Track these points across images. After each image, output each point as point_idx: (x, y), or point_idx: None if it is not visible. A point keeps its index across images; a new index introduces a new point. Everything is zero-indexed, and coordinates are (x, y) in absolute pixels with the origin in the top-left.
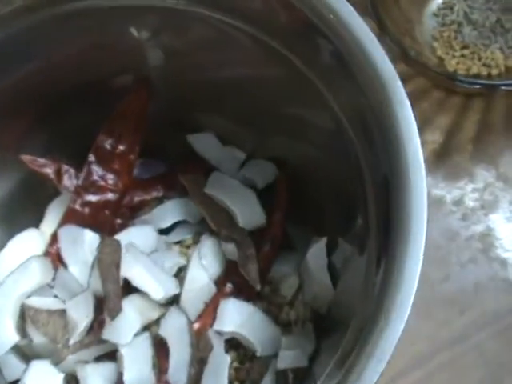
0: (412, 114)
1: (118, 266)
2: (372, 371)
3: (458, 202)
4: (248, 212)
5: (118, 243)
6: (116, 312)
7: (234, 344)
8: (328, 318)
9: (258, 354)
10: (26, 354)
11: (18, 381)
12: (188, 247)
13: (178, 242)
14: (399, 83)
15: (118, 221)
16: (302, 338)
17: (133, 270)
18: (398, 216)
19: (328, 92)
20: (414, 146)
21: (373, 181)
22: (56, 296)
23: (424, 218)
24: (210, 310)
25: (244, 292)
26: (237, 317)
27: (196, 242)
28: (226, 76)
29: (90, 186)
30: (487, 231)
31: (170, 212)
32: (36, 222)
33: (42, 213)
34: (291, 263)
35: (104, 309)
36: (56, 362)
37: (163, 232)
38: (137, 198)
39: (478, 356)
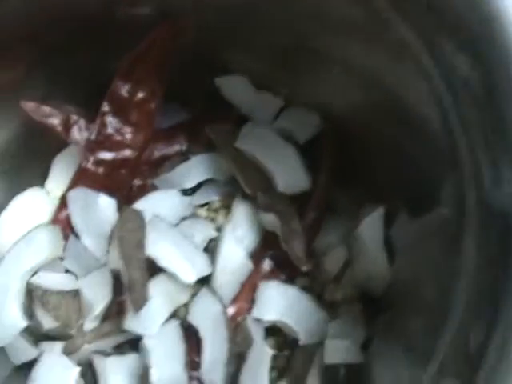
0: None
1: (142, 246)
2: None
3: None
4: (288, 173)
5: (141, 217)
6: (142, 303)
7: (272, 329)
8: (382, 299)
9: (300, 343)
10: (34, 333)
11: (25, 364)
12: (216, 211)
13: (203, 205)
14: None
15: (137, 181)
16: (351, 322)
17: (159, 248)
18: None
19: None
20: None
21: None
22: (67, 270)
23: None
24: (247, 292)
25: (285, 268)
26: (280, 303)
27: (225, 205)
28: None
29: (104, 141)
30: None
31: (194, 169)
32: (40, 179)
33: (46, 167)
34: (337, 232)
35: (127, 298)
36: (70, 351)
37: (186, 193)
38: (157, 153)
39: None
